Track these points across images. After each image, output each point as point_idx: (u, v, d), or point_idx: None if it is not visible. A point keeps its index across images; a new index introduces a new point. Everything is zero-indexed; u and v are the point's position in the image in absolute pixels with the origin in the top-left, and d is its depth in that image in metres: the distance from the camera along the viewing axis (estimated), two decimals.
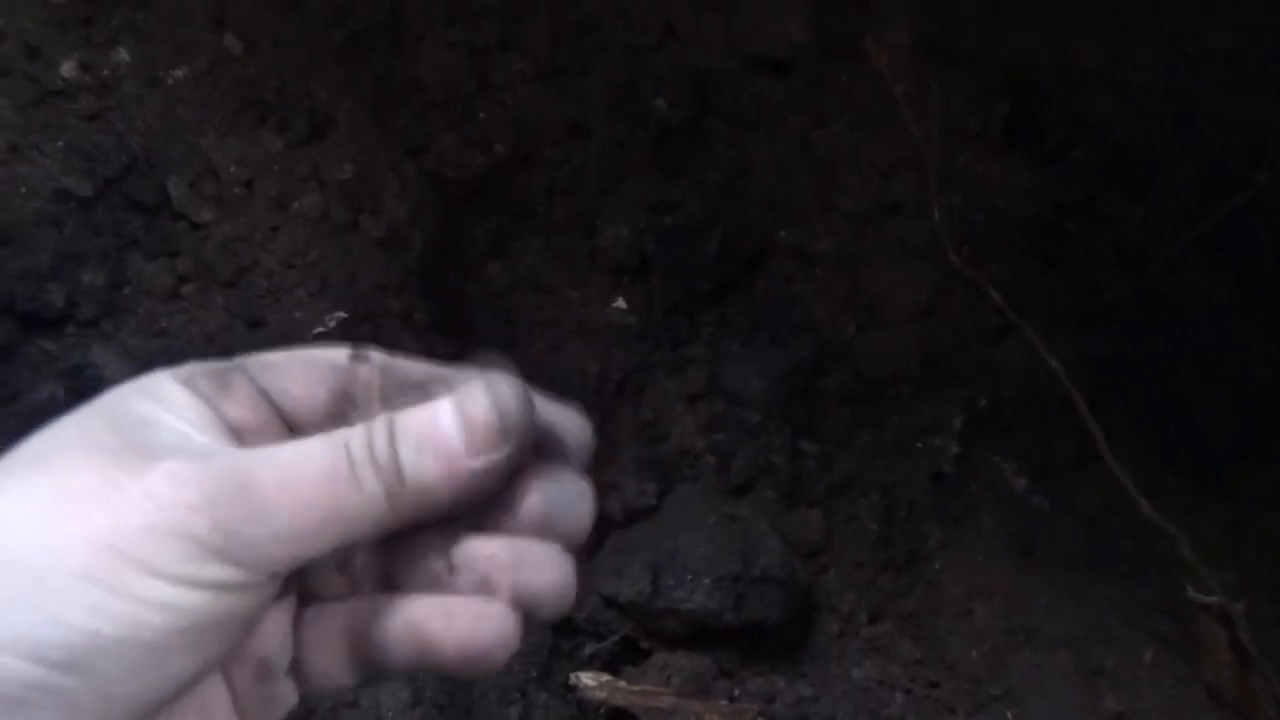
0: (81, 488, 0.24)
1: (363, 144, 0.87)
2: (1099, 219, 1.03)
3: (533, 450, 0.28)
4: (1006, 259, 1.02)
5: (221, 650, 0.25)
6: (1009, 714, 0.85)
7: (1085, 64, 1.07)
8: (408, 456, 0.26)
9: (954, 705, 0.86)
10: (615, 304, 0.93)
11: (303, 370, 0.29)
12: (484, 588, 0.28)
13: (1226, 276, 1.06)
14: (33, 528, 0.23)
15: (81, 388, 0.69)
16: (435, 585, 0.28)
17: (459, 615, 0.27)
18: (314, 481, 0.25)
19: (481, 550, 0.28)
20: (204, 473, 0.24)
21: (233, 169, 0.80)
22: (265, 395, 0.28)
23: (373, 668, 0.29)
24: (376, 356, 0.30)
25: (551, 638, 0.79)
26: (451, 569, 0.28)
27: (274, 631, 0.29)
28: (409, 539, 0.28)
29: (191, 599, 0.24)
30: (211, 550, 0.24)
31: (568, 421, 0.30)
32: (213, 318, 0.76)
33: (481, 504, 0.28)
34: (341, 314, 0.76)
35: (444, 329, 0.84)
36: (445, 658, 0.27)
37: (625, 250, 0.97)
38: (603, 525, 0.85)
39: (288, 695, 0.30)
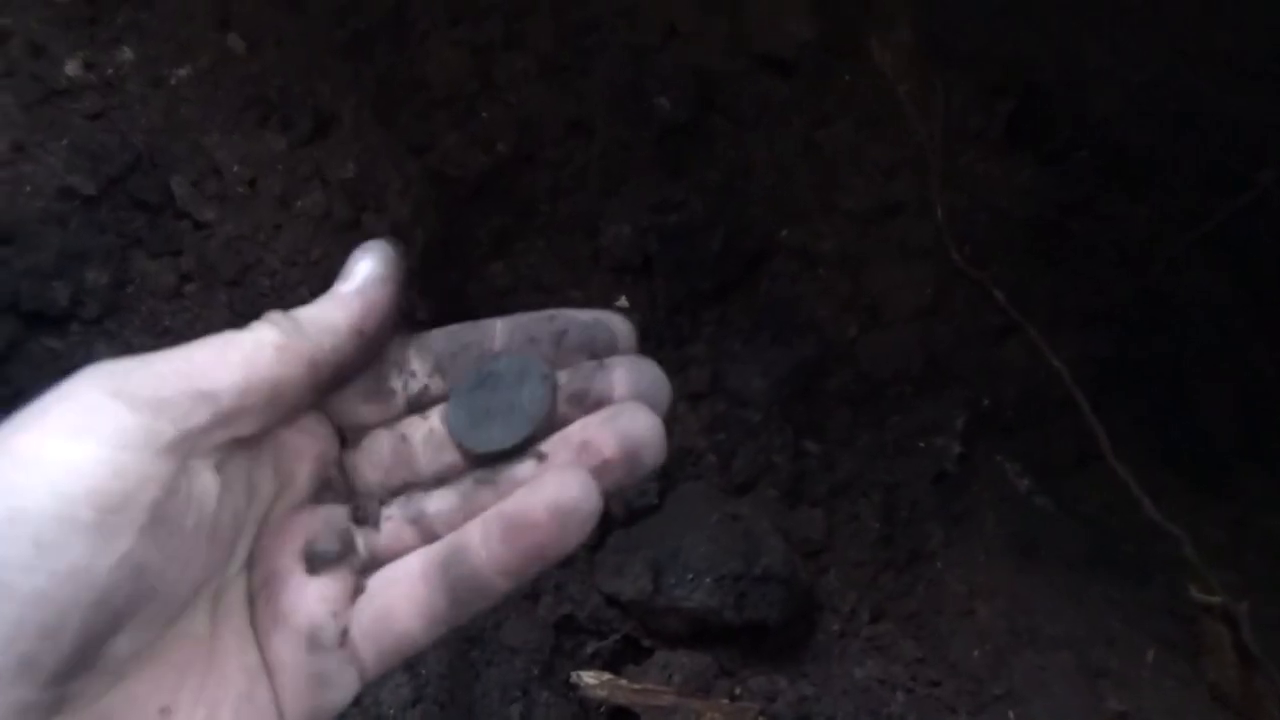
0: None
1: (366, 143, 0.87)
2: (1101, 219, 1.03)
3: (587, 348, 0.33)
4: (1009, 259, 1.02)
5: (137, 548, 0.25)
6: (1011, 714, 0.85)
7: (1088, 64, 1.07)
8: (308, 315, 0.30)
9: (955, 705, 0.86)
10: (618, 303, 0.94)
11: None
12: (583, 452, 0.30)
13: (1229, 277, 1.06)
14: None
15: None
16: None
17: (546, 481, 0.29)
18: (221, 346, 0.29)
19: (572, 427, 0.31)
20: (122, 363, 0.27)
21: (236, 168, 0.80)
22: None
23: (458, 593, 0.30)
24: None
25: (553, 636, 0.80)
26: (540, 458, 0.31)
27: (325, 597, 0.30)
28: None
29: (88, 455, 0.25)
30: (114, 393, 0.26)
31: (614, 322, 0.34)
32: (216, 316, 0.76)
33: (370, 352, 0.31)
34: None
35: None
36: (533, 522, 0.29)
37: (628, 249, 0.97)
38: (604, 524, 0.85)
39: (343, 677, 0.30)
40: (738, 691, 0.80)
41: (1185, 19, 1.05)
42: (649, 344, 0.95)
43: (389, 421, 0.33)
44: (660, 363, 0.33)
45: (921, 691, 0.85)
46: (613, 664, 0.80)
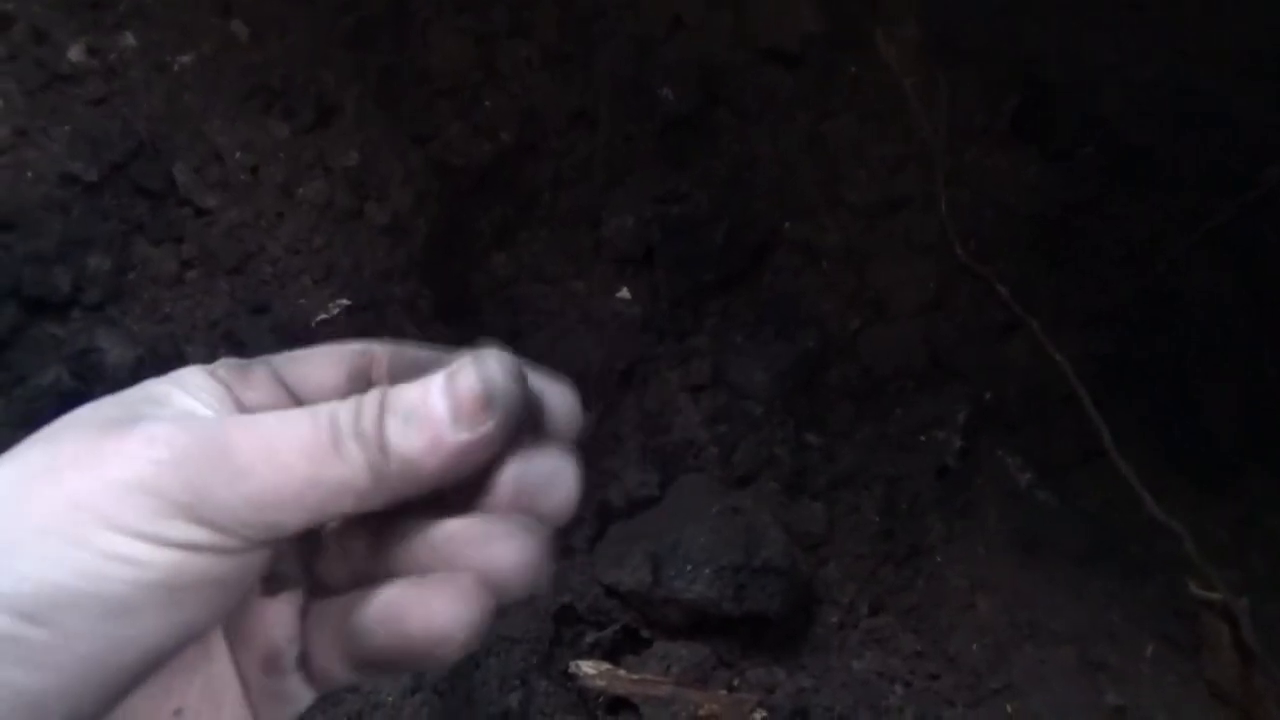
0: (67, 455, 0.24)
1: (369, 131, 0.87)
2: (1106, 216, 1.02)
3: (520, 427, 0.27)
4: (1013, 255, 1.01)
5: (198, 618, 0.25)
6: (1009, 707, 0.85)
7: (1094, 61, 1.07)
8: (394, 428, 0.25)
9: (954, 698, 0.86)
10: (620, 295, 0.93)
11: (323, 359, 0.29)
12: (452, 567, 0.27)
13: (1233, 276, 1.05)
14: (13, 492, 0.24)
15: (86, 372, 0.70)
16: (420, 572, 0.27)
17: (430, 598, 0.26)
18: (294, 447, 0.25)
19: (451, 529, 0.27)
20: (182, 433, 0.24)
21: (238, 155, 0.80)
22: (284, 383, 0.29)
23: (363, 663, 0.28)
24: (388, 345, 0.30)
25: (553, 626, 0.80)
26: (433, 551, 0.27)
27: (281, 623, 0.29)
28: (401, 523, 0.28)
29: (159, 556, 0.23)
30: (180, 508, 0.24)
31: (556, 397, 0.29)
32: (217, 304, 0.76)
33: (470, 481, 0.27)
34: (345, 301, 0.76)
35: (448, 318, 0.84)
36: (414, 642, 0.26)
37: (630, 241, 0.97)
38: (605, 514, 0.85)
39: (301, 693, 0.29)
40: (736, 683, 0.80)
41: (1192, 18, 1.04)
42: (651, 336, 0.95)
43: None
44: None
45: (920, 684, 0.85)
46: (611, 654, 0.80)
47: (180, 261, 0.77)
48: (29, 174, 0.73)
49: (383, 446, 0.25)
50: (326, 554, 0.29)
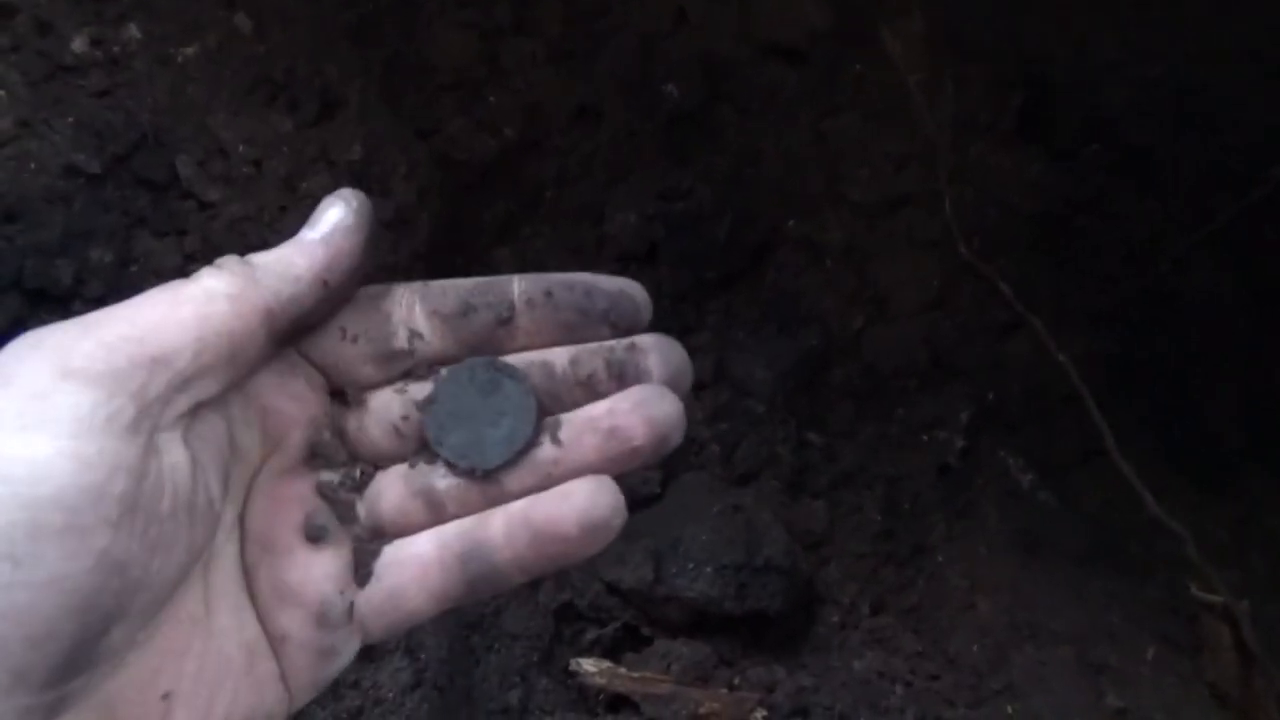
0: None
1: (372, 125, 0.86)
2: (1109, 216, 1.02)
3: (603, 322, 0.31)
4: (1016, 254, 1.01)
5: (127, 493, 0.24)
6: (1009, 708, 0.85)
7: (1100, 59, 1.06)
8: (263, 261, 0.29)
9: (954, 698, 0.86)
10: None
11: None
12: (611, 438, 0.29)
13: (1236, 275, 1.05)
14: None
15: None
16: (539, 482, 0.29)
17: (577, 492, 0.28)
18: (171, 300, 0.27)
19: (596, 408, 0.30)
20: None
21: (241, 148, 0.80)
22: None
23: (474, 584, 0.29)
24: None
25: (553, 623, 0.80)
26: (558, 444, 0.30)
27: (330, 574, 0.29)
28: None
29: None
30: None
31: (636, 293, 0.32)
32: None
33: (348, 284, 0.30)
34: None
35: None
36: (563, 534, 0.28)
37: (633, 237, 0.97)
38: None
39: (348, 646, 0.30)
40: (737, 681, 0.80)
41: (1198, 16, 1.04)
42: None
43: (395, 383, 0.32)
44: None
45: (920, 684, 0.85)
46: (612, 652, 0.80)
47: (183, 254, 0.76)
48: (32, 165, 0.73)
49: (248, 274, 0.28)
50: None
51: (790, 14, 1.06)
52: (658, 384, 0.30)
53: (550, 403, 0.31)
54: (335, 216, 0.30)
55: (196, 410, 0.27)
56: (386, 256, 0.81)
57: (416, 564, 0.30)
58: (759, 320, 1.00)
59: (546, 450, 0.30)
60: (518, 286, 0.32)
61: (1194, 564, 0.85)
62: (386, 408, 0.31)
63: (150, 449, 0.25)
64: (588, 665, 0.77)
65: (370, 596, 0.30)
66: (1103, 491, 0.93)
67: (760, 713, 0.77)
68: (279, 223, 0.78)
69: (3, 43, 0.74)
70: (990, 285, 0.97)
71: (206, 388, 0.27)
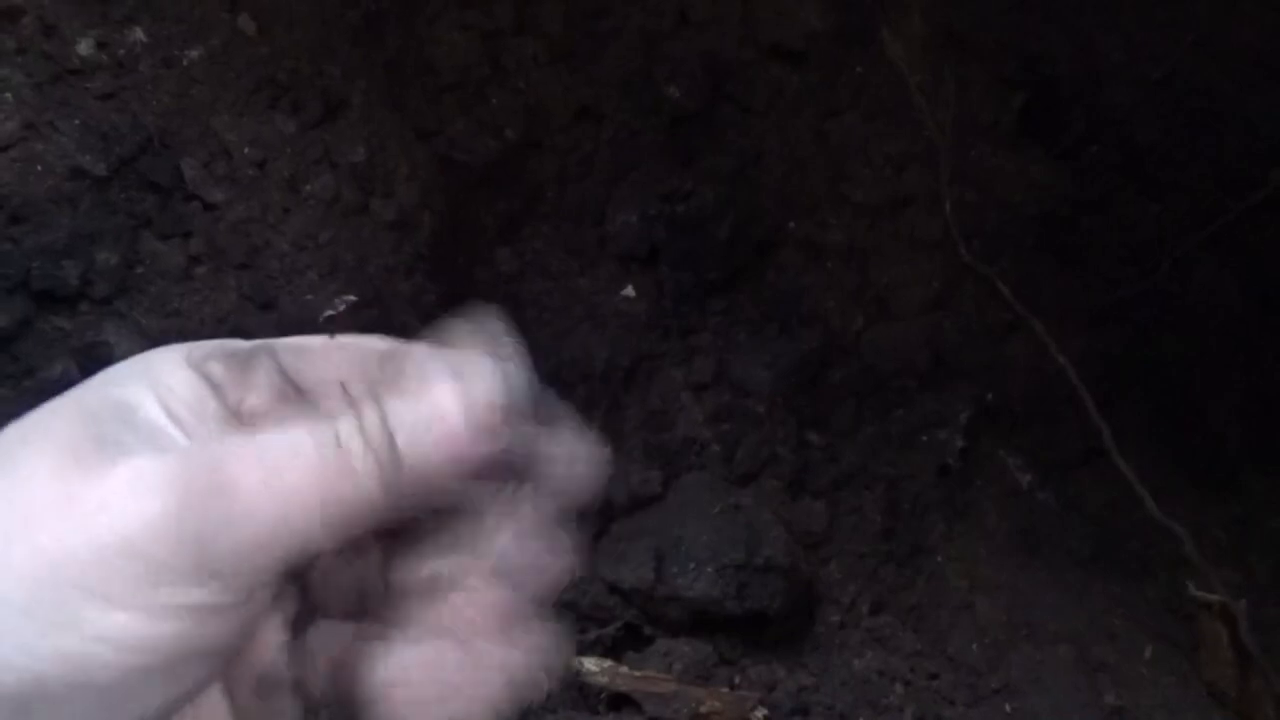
0: (34, 499, 0.20)
1: (375, 126, 0.87)
2: (1111, 216, 1.02)
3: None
4: (1018, 254, 1.01)
5: (201, 679, 0.22)
6: (1008, 707, 0.86)
7: (1103, 58, 1.06)
8: (405, 439, 0.22)
9: (953, 697, 0.87)
10: (624, 292, 0.93)
11: (340, 356, 0.26)
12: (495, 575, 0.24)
13: (1239, 276, 1.05)
14: None
15: (94, 365, 0.70)
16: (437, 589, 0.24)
17: (482, 652, 0.23)
18: (299, 469, 0.21)
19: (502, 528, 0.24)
20: (173, 472, 0.20)
21: (246, 150, 0.80)
22: (293, 383, 0.25)
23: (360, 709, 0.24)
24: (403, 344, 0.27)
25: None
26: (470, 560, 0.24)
27: (273, 643, 0.25)
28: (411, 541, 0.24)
29: (158, 630, 0.20)
30: (178, 569, 0.20)
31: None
32: (225, 299, 0.77)
33: (488, 490, 0.25)
34: (351, 297, 0.76)
35: (453, 313, 0.84)
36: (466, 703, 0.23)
37: (635, 238, 0.97)
38: (607, 511, 0.86)
39: (294, 709, 0.26)
40: (737, 680, 0.80)
41: (1202, 15, 1.04)
42: (654, 333, 0.95)
43: None
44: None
45: (920, 683, 0.85)
46: (614, 651, 0.80)
47: (188, 256, 0.77)
48: (38, 168, 0.73)
49: (395, 458, 0.22)
50: (323, 572, 0.25)
51: (792, 15, 1.06)
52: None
53: None
54: (504, 437, 0.23)
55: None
56: (389, 257, 0.81)
57: (326, 659, 0.25)
58: (760, 321, 1.00)
59: None
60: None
61: (1192, 564, 0.86)
62: None
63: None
64: (590, 664, 0.77)
65: (307, 675, 0.25)
66: (1102, 492, 0.94)
67: (761, 711, 0.78)
68: (283, 224, 0.79)
69: (8, 45, 0.74)
70: (991, 286, 0.97)
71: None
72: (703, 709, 0.76)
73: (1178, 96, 1.06)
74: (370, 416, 0.23)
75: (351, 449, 0.22)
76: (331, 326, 0.65)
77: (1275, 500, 1.00)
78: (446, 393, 0.24)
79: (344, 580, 0.26)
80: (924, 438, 0.96)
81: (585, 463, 0.26)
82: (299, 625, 0.26)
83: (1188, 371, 1.02)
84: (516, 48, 0.97)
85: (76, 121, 0.75)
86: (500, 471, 0.25)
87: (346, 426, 0.22)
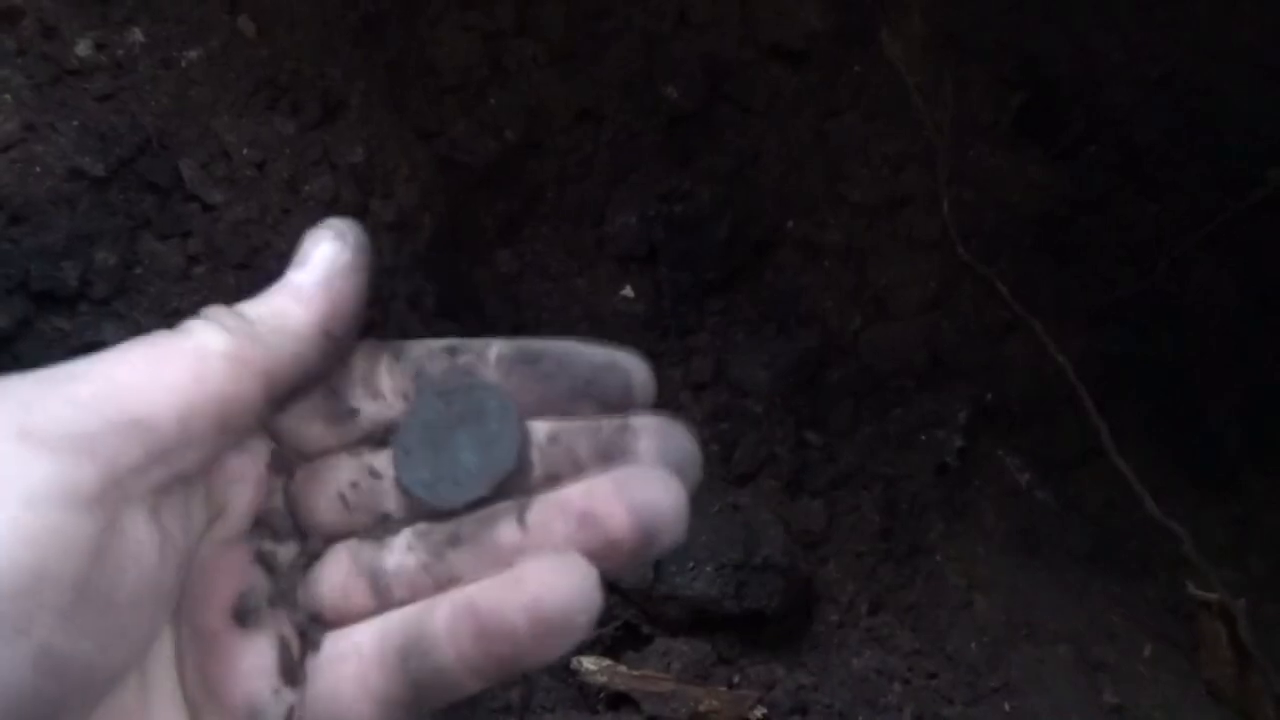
0: None
1: (374, 128, 0.87)
2: (1110, 216, 1.02)
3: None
4: (1016, 254, 1.01)
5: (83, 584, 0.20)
6: (1007, 706, 0.86)
7: (1101, 58, 1.06)
8: (251, 310, 0.26)
9: (952, 696, 0.87)
10: (623, 292, 0.94)
11: None
12: (583, 525, 0.23)
13: (1237, 276, 1.05)
14: None
15: None
16: (503, 568, 0.24)
17: (530, 574, 0.23)
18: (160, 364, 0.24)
19: (571, 490, 0.24)
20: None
21: (245, 151, 0.81)
22: None
23: (420, 688, 0.24)
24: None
25: None
26: (524, 528, 0.24)
27: (262, 670, 0.24)
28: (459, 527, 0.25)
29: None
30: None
31: (632, 369, 0.27)
32: (224, 299, 0.76)
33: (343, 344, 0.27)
34: None
35: (453, 314, 0.84)
36: (509, 628, 0.22)
37: (634, 238, 0.97)
38: None
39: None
40: (736, 680, 0.80)
41: (1200, 15, 1.04)
42: (653, 334, 0.95)
43: (350, 447, 0.27)
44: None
45: (918, 682, 0.85)
46: (613, 650, 0.80)
47: (187, 256, 0.77)
48: (36, 168, 0.74)
49: (244, 318, 0.25)
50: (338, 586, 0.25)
51: (791, 15, 1.06)
52: (651, 466, 0.25)
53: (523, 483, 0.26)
54: (330, 254, 0.26)
55: (170, 484, 0.23)
56: (388, 258, 0.81)
57: (354, 659, 0.24)
58: (758, 320, 1.00)
59: (508, 532, 0.25)
60: (495, 351, 0.27)
61: (1191, 563, 0.86)
62: (335, 472, 0.27)
63: (114, 527, 0.21)
64: (588, 663, 0.77)
65: (307, 698, 0.25)
66: (1101, 491, 0.94)
67: (759, 710, 0.78)
68: (282, 225, 0.79)
69: (8, 46, 0.74)
70: (989, 286, 0.97)
71: (188, 459, 0.23)
72: (701, 708, 0.76)
73: (1176, 96, 1.06)
74: (220, 309, 0.25)
75: (205, 335, 0.24)
76: None
77: (1274, 499, 1.00)
78: (296, 270, 0.27)
79: (371, 579, 0.26)
80: (922, 437, 0.96)
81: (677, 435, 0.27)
82: (303, 642, 0.26)
83: (1187, 371, 1.02)
84: (517, 49, 0.97)
85: (75, 122, 0.75)
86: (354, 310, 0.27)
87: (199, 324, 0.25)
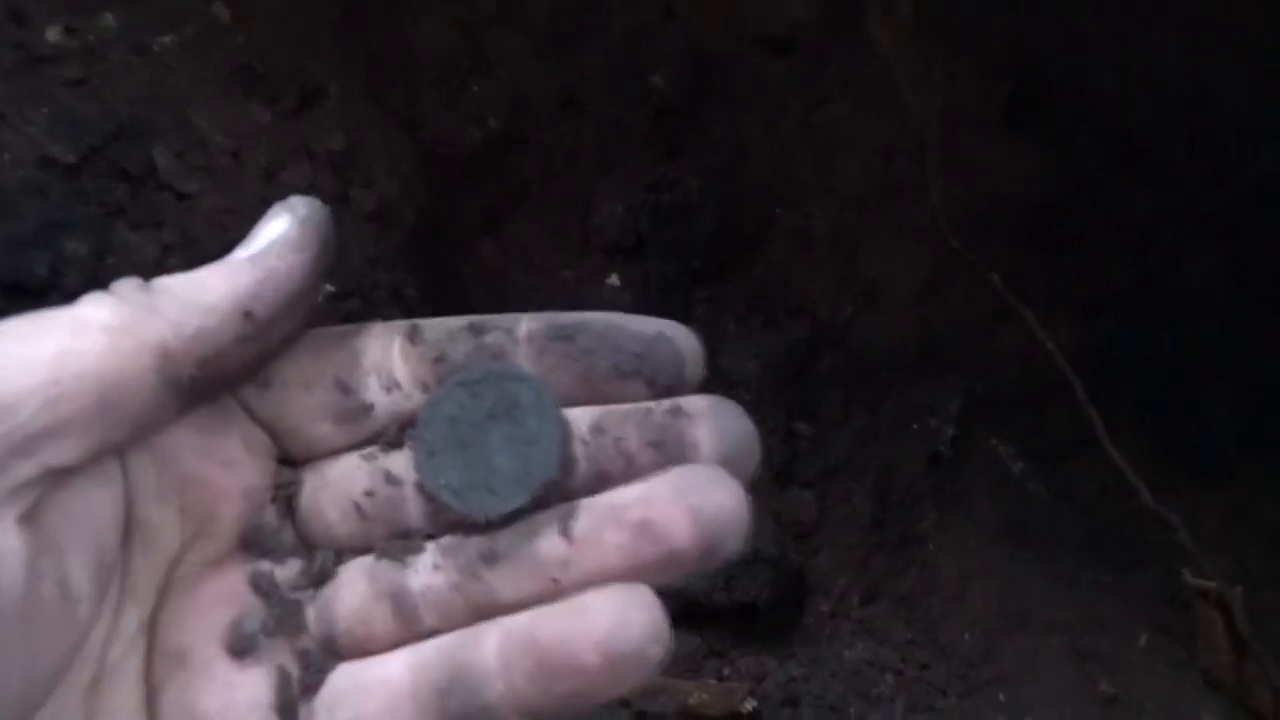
0: None
1: (354, 117, 0.85)
2: (1100, 204, 1.02)
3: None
4: (1008, 243, 1.00)
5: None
6: (1001, 696, 0.85)
7: (1091, 46, 1.06)
8: (163, 282, 0.23)
9: (945, 687, 0.85)
10: (609, 281, 0.92)
11: None
12: (641, 535, 0.21)
13: (1229, 263, 1.05)
14: None
15: None
16: (542, 589, 0.21)
17: (597, 607, 0.21)
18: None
19: (622, 497, 0.22)
20: None
21: (220, 139, 0.79)
22: None
23: None
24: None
25: None
26: (570, 540, 0.21)
27: (259, 704, 0.22)
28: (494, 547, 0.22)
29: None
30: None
31: (680, 339, 0.25)
32: None
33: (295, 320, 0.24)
34: (330, 288, 0.75)
35: (435, 305, 0.83)
36: (579, 664, 0.20)
37: (620, 229, 0.96)
38: None
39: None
40: (726, 672, 0.79)
41: (1190, 3, 1.03)
42: None
43: (362, 448, 0.25)
44: None
45: (911, 673, 0.84)
46: None
47: (161, 246, 0.75)
48: (6, 157, 0.72)
49: (150, 290, 0.23)
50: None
51: (778, 4, 1.05)
52: (711, 464, 0.23)
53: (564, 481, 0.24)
54: (276, 230, 0.24)
55: (52, 479, 0.20)
56: (369, 249, 0.80)
57: (383, 693, 0.22)
58: (747, 311, 0.99)
59: (552, 545, 0.22)
60: (525, 328, 0.25)
61: (1187, 552, 0.85)
62: (347, 479, 0.24)
63: None
64: None
65: None
66: (1095, 480, 0.93)
67: (750, 703, 0.76)
68: (259, 214, 0.77)
69: None
70: (980, 274, 0.96)
71: (65, 450, 0.20)
72: (691, 701, 0.75)
73: (1166, 84, 1.05)
74: (127, 281, 0.23)
75: (88, 308, 0.22)
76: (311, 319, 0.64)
77: (1270, 487, 0.99)
78: (239, 247, 0.24)
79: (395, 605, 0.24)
80: (914, 427, 0.95)
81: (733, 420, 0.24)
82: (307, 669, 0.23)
83: (1179, 358, 1.01)
84: (500, 38, 0.96)
85: (45, 110, 0.73)
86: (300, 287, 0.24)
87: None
